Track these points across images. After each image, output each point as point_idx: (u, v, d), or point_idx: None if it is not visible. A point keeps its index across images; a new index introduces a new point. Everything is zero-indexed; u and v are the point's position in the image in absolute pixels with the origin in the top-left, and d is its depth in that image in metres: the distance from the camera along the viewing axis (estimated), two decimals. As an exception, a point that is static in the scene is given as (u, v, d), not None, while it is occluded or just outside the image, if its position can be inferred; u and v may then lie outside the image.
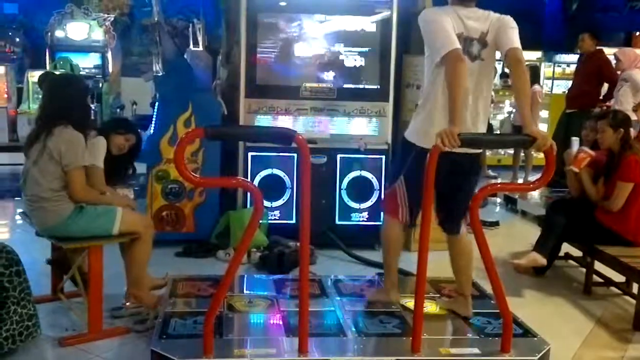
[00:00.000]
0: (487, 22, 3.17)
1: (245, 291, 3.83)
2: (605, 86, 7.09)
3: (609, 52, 7.34)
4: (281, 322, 3.21)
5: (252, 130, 4.10)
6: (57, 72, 7.19)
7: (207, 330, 2.75)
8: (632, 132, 4.71)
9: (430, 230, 2.82)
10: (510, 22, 3.17)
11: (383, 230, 3.54)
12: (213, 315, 2.76)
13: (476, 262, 3.24)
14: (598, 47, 7.18)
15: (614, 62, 7.00)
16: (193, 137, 3.21)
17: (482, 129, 3.27)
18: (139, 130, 4.15)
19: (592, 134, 4.82)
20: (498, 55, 3.22)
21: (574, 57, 9.89)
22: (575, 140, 4.69)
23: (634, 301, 3.99)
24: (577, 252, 4.80)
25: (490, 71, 3.30)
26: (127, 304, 3.66)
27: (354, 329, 3.15)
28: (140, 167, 5.40)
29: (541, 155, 2.97)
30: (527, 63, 3.31)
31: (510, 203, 7.17)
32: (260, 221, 4.34)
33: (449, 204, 3.31)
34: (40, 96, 3.88)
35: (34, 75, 10.35)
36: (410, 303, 3.32)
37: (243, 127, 4.62)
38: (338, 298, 3.62)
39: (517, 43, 3.10)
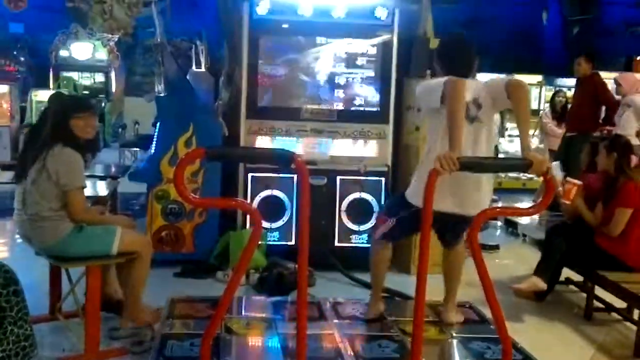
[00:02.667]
0: (478, 88, 3.31)
1: (243, 313, 3.81)
2: (604, 109, 7.10)
3: (609, 76, 7.35)
4: (279, 345, 3.20)
5: (252, 151, 4.10)
6: (65, 93, 7.21)
7: (203, 352, 2.72)
8: (634, 158, 4.71)
9: (429, 253, 2.80)
10: (496, 78, 3.44)
11: (370, 250, 3.75)
12: (210, 337, 2.73)
13: (475, 287, 3.22)
14: (593, 71, 7.20)
15: (614, 87, 7.02)
16: (193, 158, 3.21)
17: (486, 186, 3.46)
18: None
19: (587, 158, 4.84)
20: None
21: (574, 81, 9.89)
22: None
23: (635, 327, 3.95)
24: (577, 277, 4.77)
25: (489, 129, 3.38)
26: (121, 330, 3.61)
27: (352, 353, 3.13)
28: (141, 187, 5.41)
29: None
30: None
31: (510, 226, 7.15)
32: (259, 242, 4.34)
33: (445, 235, 3.59)
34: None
35: (37, 94, 10.42)
36: (409, 327, 3.30)
37: (243, 148, 4.63)
38: (336, 321, 3.61)
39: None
